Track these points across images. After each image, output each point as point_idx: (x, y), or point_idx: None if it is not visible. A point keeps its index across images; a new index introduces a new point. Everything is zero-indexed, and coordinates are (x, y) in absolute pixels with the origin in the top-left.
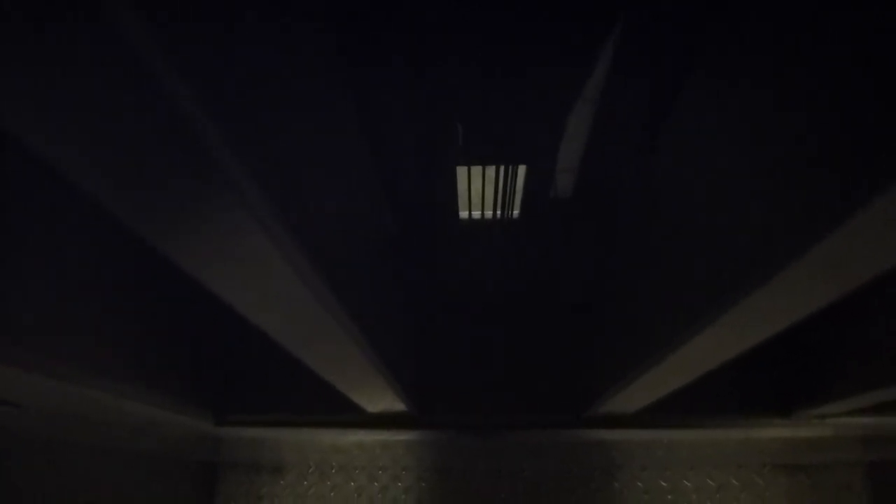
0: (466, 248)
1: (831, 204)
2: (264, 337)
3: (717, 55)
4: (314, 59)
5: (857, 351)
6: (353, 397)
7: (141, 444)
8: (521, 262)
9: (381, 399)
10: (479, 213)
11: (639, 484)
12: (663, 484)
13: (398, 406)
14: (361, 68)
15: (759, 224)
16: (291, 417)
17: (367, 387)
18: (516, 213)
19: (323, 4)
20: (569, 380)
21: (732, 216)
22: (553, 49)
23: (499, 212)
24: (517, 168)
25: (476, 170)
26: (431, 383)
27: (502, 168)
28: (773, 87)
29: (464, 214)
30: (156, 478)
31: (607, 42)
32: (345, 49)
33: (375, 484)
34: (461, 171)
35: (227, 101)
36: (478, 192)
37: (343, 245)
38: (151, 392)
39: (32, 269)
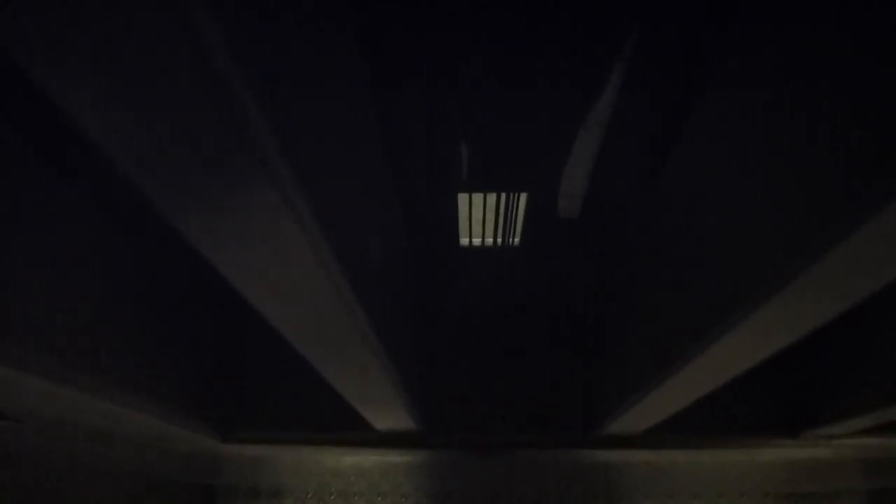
0: (471, 272)
1: (833, 221)
2: (275, 356)
3: (728, 77)
4: (347, 83)
5: (865, 371)
6: (363, 413)
7: (140, 464)
8: (528, 285)
9: (391, 414)
10: (480, 240)
11: None
12: None
13: (407, 423)
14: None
15: (765, 240)
16: (298, 436)
17: (380, 400)
18: (517, 240)
19: (354, 43)
20: (576, 400)
21: (737, 235)
22: (558, 78)
23: (500, 239)
24: (519, 195)
25: (477, 197)
26: (439, 402)
27: (503, 195)
28: (785, 103)
29: (464, 241)
30: (153, 503)
31: (612, 71)
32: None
33: None
34: (462, 199)
35: (281, 106)
36: (479, 219)
37: (366, 255)
38: (160, 405)
39: (47, 276)
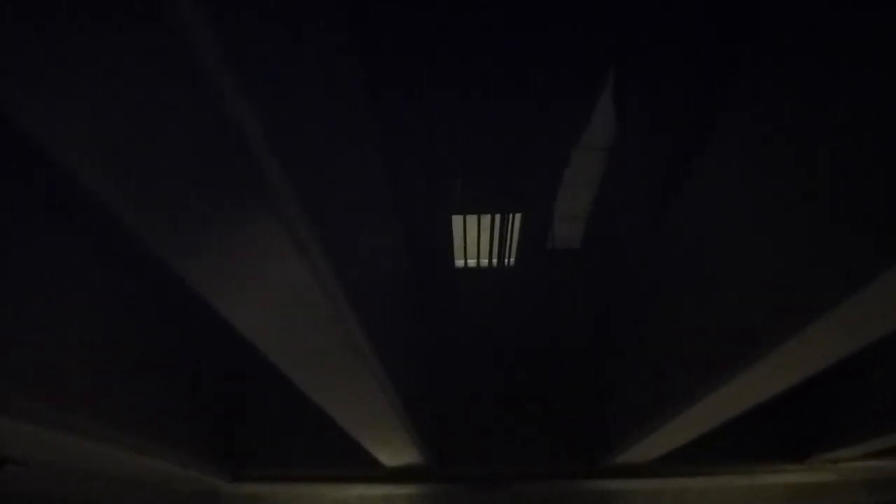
0: (469, 297)
1: (856, 264)
2: (279, 394)
3: (738, 116)
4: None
5: (871, 396)
6: (371, 450)
7: (140, 502)
8: (533, 312)
9: (399, 451)
10: (475, 261)
11: None
12: None
13: (414, 457)
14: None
15: (781, 281)
16: (305, 472)
17: (388, 437)
18: (512, 260)
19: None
20: (584, 430)
21: (753, 271)
22: (554, 101)
23: (495, 260)
24: (515, 216)
25: (471, 218)
26: (445, 434)
27: (499, 216)
28: (796, 149)
29: (459, 263)
30: None
31: (611, 97)
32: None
33: None
34: (457, 220)
35: (288, 143)
36: (474, 240)
37: (373, 291)
38: (168, 448)
39: (46, 324)
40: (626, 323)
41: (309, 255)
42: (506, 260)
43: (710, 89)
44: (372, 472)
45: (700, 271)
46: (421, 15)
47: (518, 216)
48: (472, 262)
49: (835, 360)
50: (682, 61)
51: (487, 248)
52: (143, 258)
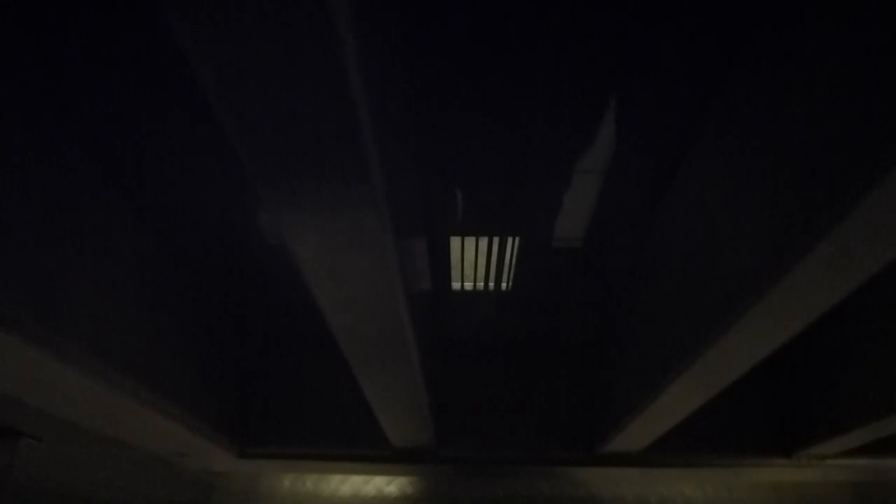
0: (469, 305)
1: (794, 238)
2: (288, 377)
3: (714, 122)
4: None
5: (852, 389)
6: (386, 424)
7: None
8: (528, 319)
9: (410, 428)
10: (472, 284)
11: None
12: None
13: (422, 438)
14: None
15: (746, 256)
16: (313, 451)
17: (405, 413)
18: (510, 285)
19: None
20: (580, 420)
21: (722, 253)
22: (551, 122)
23: (492, 283)
24: (514, 238)
25: (469, 241)
26: (451, 421)
27: (496, 239)
28: (765, 153)
29: (456, 285)
30: None
31: (604, 117)
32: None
33: None
34: (454, 242)
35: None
36: (471, 262)
37: (413, 273)
38: (190, 416)
39: (96, 285)
40: (618, 327)
41: (385, 239)
42: (503, 284)
43: (693, 110)
44: (375, 452)
45: (674, 267)
46: (420, 39)
47: (517, 240)
48: (468, 286)
49: (795, 329)
50: (671, 83)
51: (484, 270)
52: (190, 240)
